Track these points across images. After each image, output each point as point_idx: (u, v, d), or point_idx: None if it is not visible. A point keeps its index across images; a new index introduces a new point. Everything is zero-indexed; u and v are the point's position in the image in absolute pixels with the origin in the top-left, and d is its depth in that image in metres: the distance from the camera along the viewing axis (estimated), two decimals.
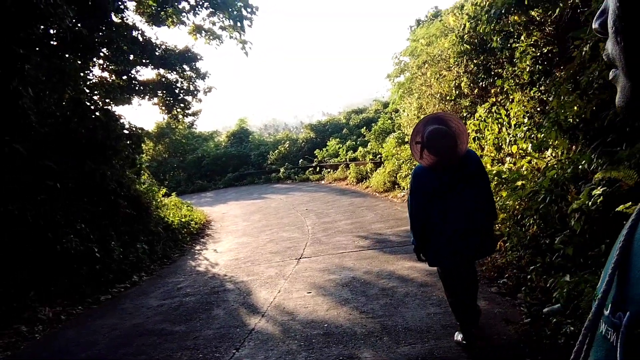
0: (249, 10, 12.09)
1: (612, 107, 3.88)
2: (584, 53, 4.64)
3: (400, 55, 15.93)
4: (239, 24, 12.02)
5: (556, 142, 5.48)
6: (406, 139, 12.82)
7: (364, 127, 19.38)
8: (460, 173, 3.01)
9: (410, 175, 3.33)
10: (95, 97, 9.58)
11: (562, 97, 5.19)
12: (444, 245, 3.07)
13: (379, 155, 14.87)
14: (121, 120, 9.00)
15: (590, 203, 3.44)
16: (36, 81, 6.47)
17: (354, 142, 19.66)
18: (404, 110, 13.86)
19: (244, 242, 8.70)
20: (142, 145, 10.45)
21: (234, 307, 5.04)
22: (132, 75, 11.76)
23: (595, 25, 0.52)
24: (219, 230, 10.83)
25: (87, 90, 9.08)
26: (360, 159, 16.80)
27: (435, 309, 4.07)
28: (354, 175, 15.62)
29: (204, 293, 5.76)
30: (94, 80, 10.30)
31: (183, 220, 10.47)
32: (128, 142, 8.96)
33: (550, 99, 5.82)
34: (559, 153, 5.59)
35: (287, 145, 23.53)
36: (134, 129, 9.30)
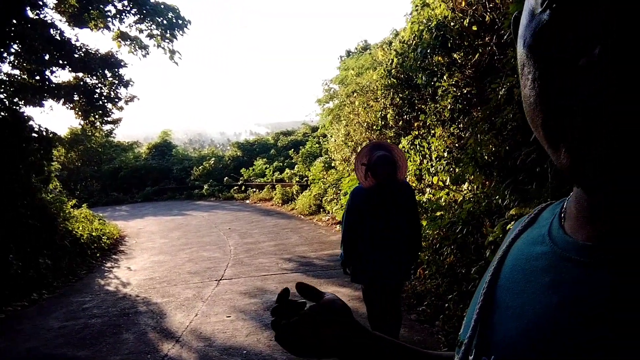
0: (180, 21, 11.81)
1: (523, 148, 4.23)
2: (499, 96, 5.05)
3: (330, 82, 16.40)
4: (168, 34, 11.67)
5: (472, 177, 5.85)
6: (333, 164, 13.06)
7: (292, 150, 19.49)
8: (395, 199, 3.26)
9: (348, 194, 3.51)
10: (1, 96, 8.74)
11: (478, 136, 5.58)
12: (373, 262, 3.24)
13: (306, 178, 14.98)
14: (30, 122, 8.28)
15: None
16: None
17: (281, 164, 19.66)
18: (331, 136, 14.16)
19: (160, 261, 8.26)
20: (53, 151, 9.66)
21: (145, 330, 4.72)
22: (47, 76, 10.89)
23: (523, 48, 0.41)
24: (133, 246, 10.20)
25: None
26: (287, 181, 16.81)
27: None
28: (279, 196, 15.56)
29: (113, 315, 5.34)
30: (2, 78, 9.41)
31: (93, 234, 9.74)
32: (36, 146, 8.24)
33: (468, 136, 6.24)
34: (475, 187, 5.98)
35: (213, 162, 22.95)
36: (44, 132, 8.58)
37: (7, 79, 9.72)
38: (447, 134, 7.10)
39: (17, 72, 10.13)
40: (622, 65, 0.32)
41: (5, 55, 9.34)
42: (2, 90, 9.19)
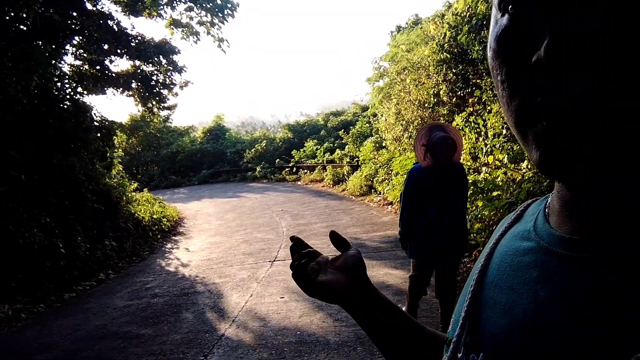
0: (229, 6, 11.90)
1: None
2: None
3: (380, 60, 16.02)
4: (216, 20, 11.82)
5: None
6: (383, 144, 12.85)
7: (342, 130, 19.36)
8: (452, 180, 3.34)
9: (406, 174, 3.66)
10: (65, 86, 9.24)
11: None
12: (433, 242, 3.35)
13: (356, 159, 14.87)
14: (92, 111, 8.70)
15: None
16: (1, 67, 6.17)
17: (331, 145, 19.62)
18: (382, 115, 13.89)
19: (216, 242, 8.53)
20: (114, 138, 10.14)
21: (203, 310, 4.90)
22: (106, 65, 11.39)
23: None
24: (191, 228, 10.61)
25: (57, 79, 8.73)
26: (337, 162, 16.77)
27: None
28: (330, 177, 15.58)
29: (173, 294, 5.59)
30: (65, 69, 9.94)
31: (154, 216, 10.21)
32: (98, 134, 8.66)
33: None
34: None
35: (264, 144, 23.31)
36: (105, 121, 9.00)
37: (70, 69, 10.25)
38: None
39: (78, 62, 10.64)
40: (619, 62, 0.32)
41: (67, 47, 9.84)
42: (65, 81, 9.71)
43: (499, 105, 6.86)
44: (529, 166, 5.86)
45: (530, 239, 0.46)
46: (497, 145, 6.81)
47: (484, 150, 7.26)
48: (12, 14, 6.99)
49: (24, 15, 7.38)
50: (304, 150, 20.53)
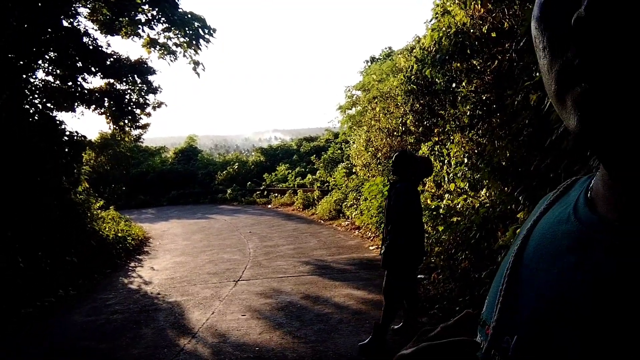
0: (206, 31, 12.11)
1: (536, 153, 4.22)
2: (516, 102, 5.04)
3: (353, 88, 16.50)
4: (194, 42, 12.00)
5: (489, 182, 5.84)
6: (354, 170, 13.12)
7: (314, 155, 19.62)
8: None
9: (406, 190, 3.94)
10: (36, 101, 9.17)
11: (495, 142, 5.57)
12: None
13: (327, 184, 15.08)
14: (62, 127, 8.65)
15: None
16: None
17: (303, 169, 19.83)
18: (353, 142, 14.22)
19: (181, 262, 8.47)
20: (83, 154, 10.04)
21: (163, 326, 4.88)
22: (79, 82, 11.34)
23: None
24: (157, 247, 10.47)
25: (28, 93, 8.68)
26: (308, 186, 16.94)
27: (367, 336, 4.14)
28: (300, 201, 15.70)
29: (134, 311, 5.53)
30: (36, 83, 9.87)
31: (119, 235, 10.05)
32: (67, 149, 8.59)
33: (486, 142, 6.23)
34: (492, 193, 5.95)
35: (237, 167, 23.30)
36: (75, 136, 8.94)
37: (42, 84, 10.17)
38: (466, 140, 7.08)
39: (50, 78, 10.58)
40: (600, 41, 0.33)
41: (40, 62, 9.80)
42: (36, 95, 9.63)
43: (460, 135, 7.21)
44: (487, 193, 6.15)
45: (570, 222, 0.45)
46: (459, 174, 7.12)
47: (447, 179, 7.56)
48: None
49: None
50: (275, 174, 20.64)
